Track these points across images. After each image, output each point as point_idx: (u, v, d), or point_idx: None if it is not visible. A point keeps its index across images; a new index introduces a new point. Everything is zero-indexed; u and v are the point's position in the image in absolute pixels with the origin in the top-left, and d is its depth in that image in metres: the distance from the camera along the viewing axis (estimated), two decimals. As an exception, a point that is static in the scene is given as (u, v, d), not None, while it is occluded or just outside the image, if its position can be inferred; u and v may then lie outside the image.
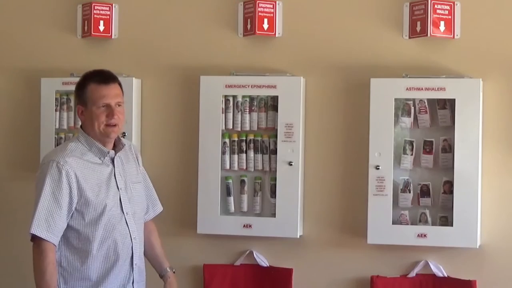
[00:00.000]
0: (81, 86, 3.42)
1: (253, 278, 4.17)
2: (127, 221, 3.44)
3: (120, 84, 3.47)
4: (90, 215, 3.35)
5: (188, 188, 4.24)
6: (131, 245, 3.46)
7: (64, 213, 3.30)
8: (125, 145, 3.53)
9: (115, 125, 3.39)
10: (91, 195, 3.34)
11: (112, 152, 3.45)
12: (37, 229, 3.26)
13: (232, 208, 4.18)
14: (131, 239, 3.45)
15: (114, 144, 3.48)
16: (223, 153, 4.16)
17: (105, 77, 3.44)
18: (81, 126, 3.47)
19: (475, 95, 3.85)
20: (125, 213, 3.43)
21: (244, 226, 4.12)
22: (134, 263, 3.47)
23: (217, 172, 4.14)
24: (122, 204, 3.43)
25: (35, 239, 3.29)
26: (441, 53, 3.97)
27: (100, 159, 3.41)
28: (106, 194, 3.38)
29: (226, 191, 4.18)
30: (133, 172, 3.55)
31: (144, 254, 3.60)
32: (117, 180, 3.43)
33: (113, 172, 3.43)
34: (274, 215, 4.09)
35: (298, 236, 4.09)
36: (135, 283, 3.48)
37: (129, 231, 3.45)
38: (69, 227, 3.34)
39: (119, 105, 3.41)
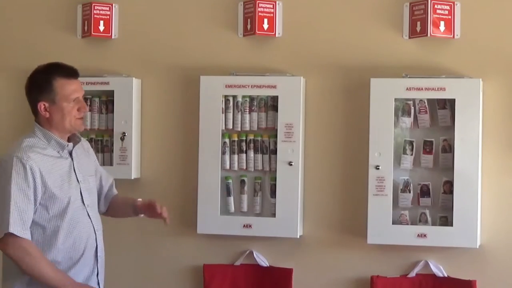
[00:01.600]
0: (45, 81, 3.35)
1: (253, 278, 4.17)
2: (89, 213, 3.42)
3: None
4: (55, 209, 3.31)
5: (188, 188, 4.24)
6: (95, 237, 3.45)
7: (32, 207, 3.26)
8: (81, 139, 3.51)
9: (82, 118, 3.42)
10: (55, 189, 3.30)
11: (70, 145, 3.42)
12: (15, 227, 3.21)
13: (232, 208, 4.18)
14: (94, 231, 3.44)
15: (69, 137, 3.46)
16: (223, 153, 4.16)
17: (72, 71, 3.41)
18: (35, 120, 3.40)
19: (475, 95, 3.85)
20: (86, 205, 3.41)
21: (244, 226, 4.12)
22: (98, 255, 3.46)
23: (217, 172, 4.14)
24: (83, 196, 3.41)
25: (8, 238, 3.22)
26: (441, 53, 3.98)
27: (58, 152, 3.37)
28: (69, 187, 3.36)
29: (226, 191, 4.18)
30: (86, 165, 3.53)
31: (117, 214, 3.68)
32: (76, 173, 3.41)
33: (72, 165, 3.41)
34: (274, 215, 4.09)
35: (298, 236, 4.09)
36: (99, 274, 3.47)
37: (92, 223, 3.43)
38: (33, 222, 3.29)
39: (83, 98, 3.42)
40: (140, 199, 3.65)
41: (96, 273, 3.45)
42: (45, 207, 3.30)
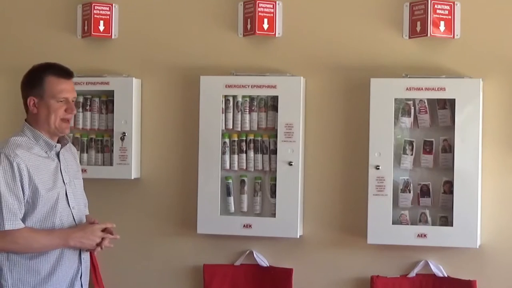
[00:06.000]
0: (37, 77, 3.36)
1: (253, 278, 4.17)
2: (74, 215, 3.41)
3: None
4: (40, 209, 3.30)
5: (188, 188, 4.24)
6: None
7: (21, 204, 3.25)
8: (69, 141, 3.51)
9: (68, 121, 3.40)
10: (42, 188, 3.29)
11: (58, 145, 3.41)
12: (12, 223, 3.21)
13: (232, 208, 4.18)
14: None
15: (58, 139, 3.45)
16: (223, 153, 4.16)
17: (65, 71, 3.42)
18: (26, 120, 3.40)
19: (475, 95, 3.85)
20: (71, 207, 3.40)
21: (244, 226, 4.12)
22: (82, 257, 3.44)
23: (217, 172, 4.14)
24: (68, 198, 3.40)
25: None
26: (441, 53, 3.98)
27: (46, 152, 3.37)
28: (54, 187, 3.34)
29: (226, 191, 4.18)
30: (74, 168, 3.52)
31: None
32: (63, 174, 3.40)
33: (59, 167, 3.40)
34: (274, 215, 4.09)
35: (298, 236, 4.09)
36: (83, 277, 3.46)
37: (76, 225, 3.42)
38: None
39: (73, 101, 3.41)
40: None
41: (80, 275, 3.43)
42: (32, 207, 3.29)
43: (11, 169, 3.24)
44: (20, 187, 3.25)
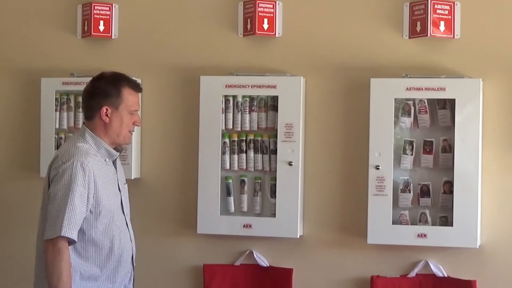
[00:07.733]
0: (114, 87, 3.37)
1: (253, 278, 4.17)
2: (127, 222, 3.45)
3: None
4: (101, 219, 3.30)
5: (188, 188, 4.24)
6: (131, 246, 3.47)
7: (84, 212, 3.25)
8: (123, 149, 3.54)
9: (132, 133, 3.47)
10: (104, 198, 3.30)
11: (117, 154, 3.45)
12: (69, 231, 3.16)
13: (232, 208, 4.18)
14: (131, 240, 3.46)
15: None
16: (223, 153, 4.16)
17: (139, 85, 3.50)
18: (85, 124, 3.41)
19: (475, 95, 3.85)
20: (125, 214, 3.44)
21: (244, 226, 4.12)
22: (133, 263, 3.49)
23: (217, 172, 4.14)
24: (123, 206, 3.43)
25: (53, 239, 3.19)
26: (441, 53, 3.98)
27: (105, 160, 3.39)
28: (114, 196, 3.38)
29: (226, 191, 4.18)
30: (122, 174, 3.56)
31: None
32: (118, 182, 3.43)
33: (116, 175, 3.43)
34: (274, 215, 4.09)
35: (298, 236, 4.09)
36: (134, 281, 3.53)
37: (129, 232, 3.46)
38: (82, 232, 3.27)
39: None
40: None
41: (132, 281, 3.50)
42: (95, 216, 3.29)
43: (83, 177, 3.23)
44: (86, 196, 3.24)
